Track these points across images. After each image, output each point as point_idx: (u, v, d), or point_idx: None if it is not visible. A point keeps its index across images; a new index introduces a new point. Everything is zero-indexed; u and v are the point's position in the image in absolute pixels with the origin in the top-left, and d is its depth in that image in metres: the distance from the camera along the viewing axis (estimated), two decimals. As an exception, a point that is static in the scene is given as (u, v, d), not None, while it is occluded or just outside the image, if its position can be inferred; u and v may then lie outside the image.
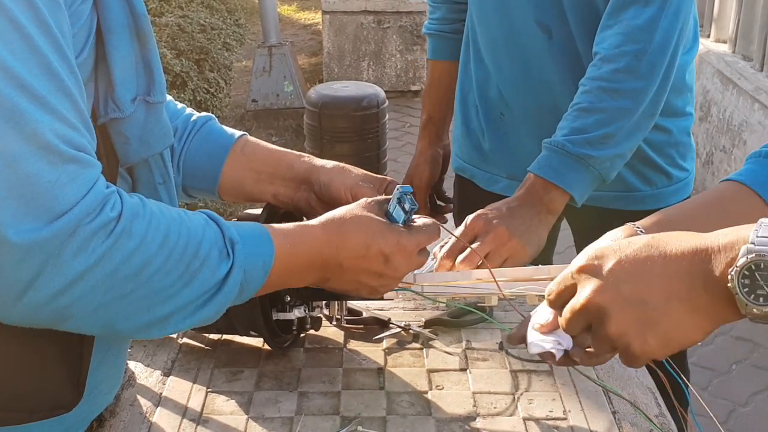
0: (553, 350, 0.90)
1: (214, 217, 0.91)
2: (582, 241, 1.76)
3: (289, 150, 1.25)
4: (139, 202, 0.84)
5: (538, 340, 0.91)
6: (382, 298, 1.23)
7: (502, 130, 1.70)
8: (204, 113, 1.25)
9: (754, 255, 0.72)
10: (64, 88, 0.77)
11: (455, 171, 1.86)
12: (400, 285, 1.15)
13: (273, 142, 4.94)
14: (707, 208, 1.04)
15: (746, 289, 0.72)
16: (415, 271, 1.29)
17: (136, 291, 0.81)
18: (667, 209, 1.08)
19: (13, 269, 0.74)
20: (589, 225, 1.61)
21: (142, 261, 0.81)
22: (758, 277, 0.72)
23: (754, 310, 0.73)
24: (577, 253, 1.61)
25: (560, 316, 0.86)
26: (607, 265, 0.80)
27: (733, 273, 0.73)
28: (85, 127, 0.80)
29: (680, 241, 0.78)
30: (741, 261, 0.72)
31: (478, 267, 1.26)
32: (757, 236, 0.73)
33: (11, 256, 0.73)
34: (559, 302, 0.86)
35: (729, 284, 0.73)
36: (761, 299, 0.72)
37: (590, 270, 0.82)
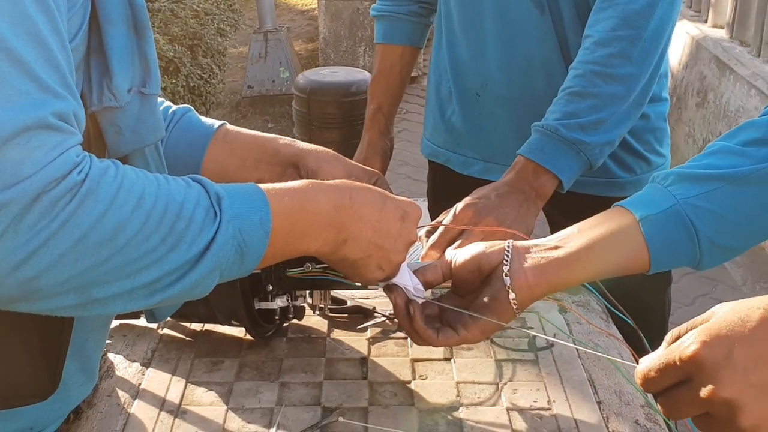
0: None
1: (197, 178, 0.86)
2: (557, 229, 1.74)
3: (273, 135, 1.24)
4: (110, 165, 0.79)
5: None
6: (367, 287, 1.22)
7: (476, 111, 1.68)
8: (183, 105, 1.24)
9: None
10: (51, 58, 0.74)
11: (428, 158, 1.85)
12: None
13: (268, 129, 4.94)
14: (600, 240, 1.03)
15: None
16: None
17: (113, 258, 0.76)
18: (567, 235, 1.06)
19: None
20: (567, 212, 1.59)
21: (114, 225, 0.76)
22: None
23: None
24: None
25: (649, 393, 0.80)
26: (725, 352, 0.72)
27: None
28: (70, 95, 0.77)
29: None
30: None
31: None
32: None
33: None
34: (655, 387, 0.78)
35: None
36: None
37: (708, 359, 0.73)
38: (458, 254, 1.07)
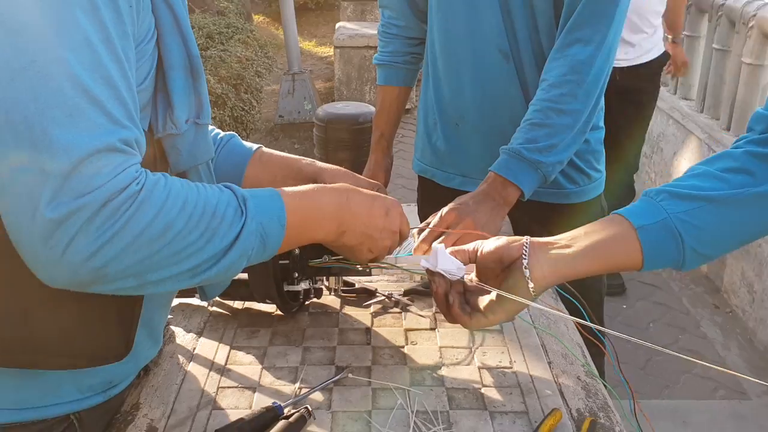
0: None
1: (228, 185, 0.87)
2: (518, 228, 1.73)
3: (298, 156, 1.24)
4: (161, 177, 0.79)
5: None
6: (370, 274, 1.22)
7: (456, 137, 1.67)
8: (228, 132, 1.23)
9: None
10: (119, 96, 0.75)
11: (418, 173, 1.84)
12: (386, 263, 1.15)
13: (295, 149, 4.88)
14: (598, 244, 0.97)
15: None
16: (397, 255, 1.28)
17: (163, 249, 0.76)
18: (565, 239, 0.99)
19: (51, 236, 0.70)
20: (526, 216, 1.60)
21: (164, 224, 0.76)
22: None
23: None
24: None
25: None
26: None
27: None
28: (134, 126, 0.77)
29: None
30: None
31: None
32: None
33: (47, 228, 0.70)
34: None
35: None
36: None
37: None
38: (484, 245, 1.01)
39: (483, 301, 0.99)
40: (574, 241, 0.98)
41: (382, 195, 1.04)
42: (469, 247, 1.02)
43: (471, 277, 1.02)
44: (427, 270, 1.01)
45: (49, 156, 0.69)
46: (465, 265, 1.02)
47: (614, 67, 2.46)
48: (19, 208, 0.70)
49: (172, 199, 0.78)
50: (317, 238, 0.96)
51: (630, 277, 3.60)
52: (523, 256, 0.96)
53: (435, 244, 1.00)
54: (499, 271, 0.99)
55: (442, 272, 1.00)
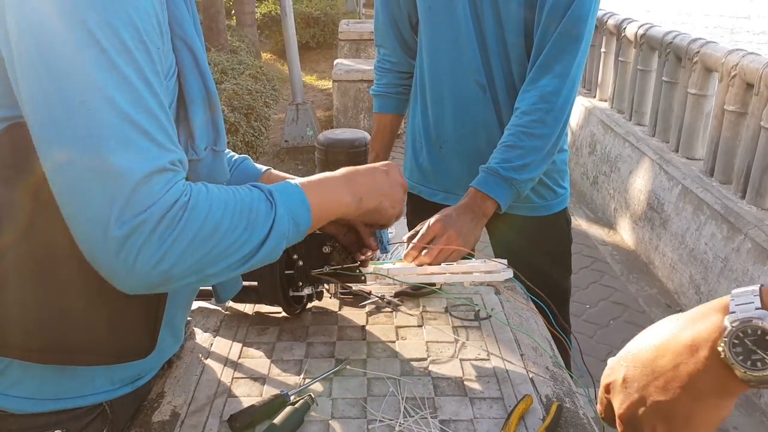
0: None
1: (255, 184, 0.88)
2: (494, 238, 1.74)
3: (301, 177, 1.24)
4: (203, 187, 0.81)
5: None
6: (365, 281, 1.22)
7: (439, 158, 1.69)
8: (241, 155, 1.24)
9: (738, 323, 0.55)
10: (161, 124, 0.76)
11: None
12: (379, 272, 1.16)
13: (298, 170, 4.85)
14: None
15: (740, 357, 0.55)
16: (389, 261, 1.29)
17: (217, 246, 0.78)
18: None
19: (121, 250, 0.72)
20: (500, 227, 1.61)
21: (213, 225, 0.78)
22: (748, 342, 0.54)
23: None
24: (493, 249, 1.57)
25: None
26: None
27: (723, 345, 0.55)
28: (177, 148, 0.78)
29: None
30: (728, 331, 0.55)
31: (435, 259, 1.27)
32: (736, 305, 0.56)
33: (116, 244, 0.72)
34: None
35: (722, 356, 0.56)
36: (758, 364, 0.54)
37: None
38: None
39: None
40: None
41: (376, 164, 1.05)
42: None
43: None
44: None
45: (112, 182, 0.71)
46: None
47: None
48: (92, 230, 0.72)
49: (215, 203, 0.79)
50: (341, 210, 0.96)
51: (592, 279, 3.61)
52: None
53: None
54: None
55: None
